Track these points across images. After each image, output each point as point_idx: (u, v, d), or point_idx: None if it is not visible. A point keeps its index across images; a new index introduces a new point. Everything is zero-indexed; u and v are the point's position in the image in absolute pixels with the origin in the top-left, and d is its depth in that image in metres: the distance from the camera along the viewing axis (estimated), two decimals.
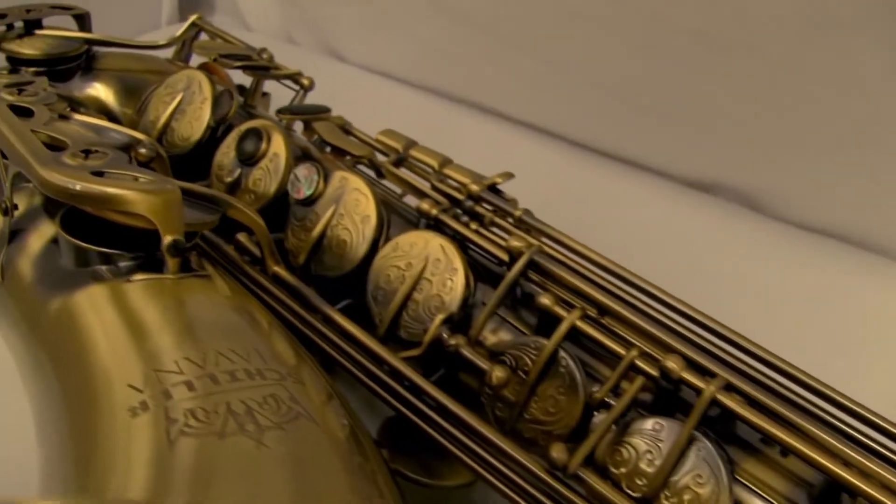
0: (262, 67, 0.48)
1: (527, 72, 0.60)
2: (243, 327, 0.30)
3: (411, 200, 0.42)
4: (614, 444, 0.31)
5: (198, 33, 0.55)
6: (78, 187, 0.31)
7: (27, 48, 0.50)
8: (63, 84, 0.52)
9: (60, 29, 0.53)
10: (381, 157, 0.45)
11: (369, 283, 0.37)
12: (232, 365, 0.26)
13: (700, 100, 0.56)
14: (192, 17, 0.54)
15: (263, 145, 0.42)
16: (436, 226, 0.39)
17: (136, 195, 0.31)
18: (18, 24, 0.51)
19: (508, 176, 0.40)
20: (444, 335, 0.34)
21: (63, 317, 0.32)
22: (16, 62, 0.51)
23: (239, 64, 0.47)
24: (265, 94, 0.52)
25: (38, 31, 0.52)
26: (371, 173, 0.45)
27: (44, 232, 0.37)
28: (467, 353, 0.34)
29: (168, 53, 0.56)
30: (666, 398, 0.32)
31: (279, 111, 0.46)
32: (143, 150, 0.41)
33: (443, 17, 0.60)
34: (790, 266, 0.53)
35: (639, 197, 0.58)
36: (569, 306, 0.34)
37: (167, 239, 0.32)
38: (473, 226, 0.39)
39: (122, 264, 0.33)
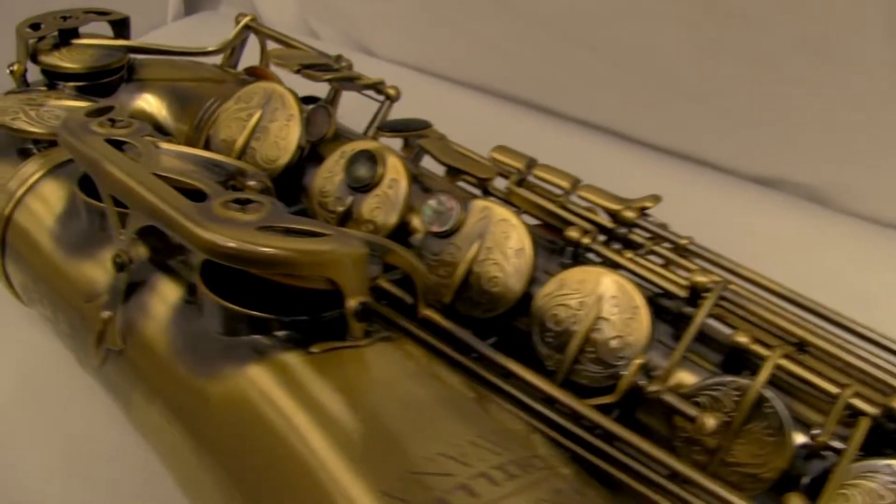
0: (344, 78, 0.43)
1: (586, 67, 0.57)
2: (467, 403, 0.27)
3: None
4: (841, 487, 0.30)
5: (245, 39, 0.49)
6: (251, 249, 0.26)
7: (68, 61, 0.44)
8: (106, 99, 0.46)
9: (97, 37, 0.47)
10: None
11: (534, 324, 0.34)
12: (495, 457, 0.23)
13: (765, 96, 0.55)
14: (245, 19, 0.48)
15: (379, 170, 0.38)
16: (589, 257, 0.36)
17: (322, 256, 0.27)
18: (53, 34, 0.45)
19: (656, 199, 0.37)
20: (642, 380, 0.32)
21: (232, 404, 0.27)
22: (54, 77, 0.44)
23: (328, 76, 0.42)
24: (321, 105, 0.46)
25: (74, 41, 0.45)
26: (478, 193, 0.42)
27: (163, 288, 0.32)
28: (671, 399, 0.31)
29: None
30: (883, 437, 0.31)
31: (379, 128, 0.42)
32: (252, 183, 0.36)
33: (497, 10, 0.57)
34: (872, 263, 0.53)
35: (707, 194, 0.57)
36: (762, 343, 0.32)
37: (353, 302, 0.28)
38: (628, 254, 0.36)
39: (283, 332, 0.29)
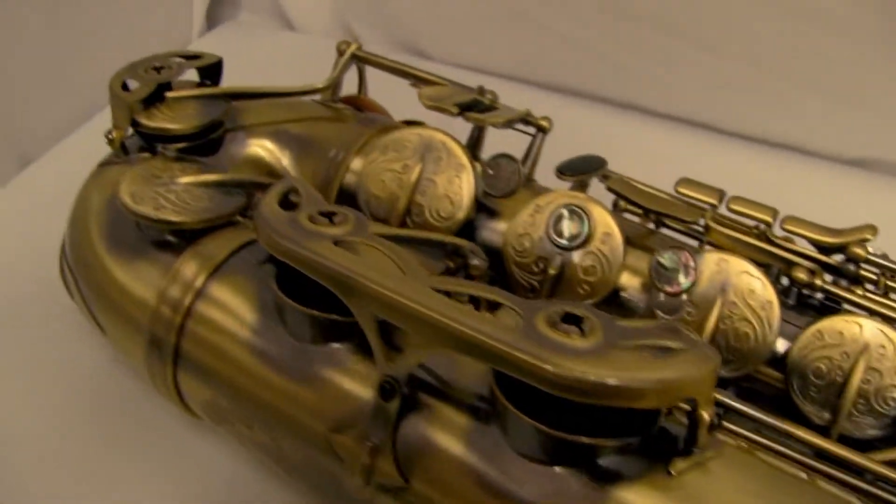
0: (510, 120, 0.39)
1: (673, 61, 0.55)
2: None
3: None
4: None
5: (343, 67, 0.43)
6: (626, 385, 0.23)
7: (173, 122, 0.38)
8: (214, 155, 0.40)
9: (192, 86, 0.40)
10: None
11: (793, 379, 0.33)
12: None
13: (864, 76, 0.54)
14: (351, 48, 0.42)
15: (589, 224, 0.35)
16: (816, 297, 0.34)
17: (689, 381, 0.24)
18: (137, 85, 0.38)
19: (874, 230, 0.36)
20: None
21: None
22: (154, 139, 0.38)
23: (496, 119, 0.37)
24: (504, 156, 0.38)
25: (168, 94, 0.38)
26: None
27: (442, 411, 0.28)
28: None
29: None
30: None
31: (559, 170, 0.38)
32: (476, 263, 0.32)
33: (580, 6, 0.53)
34: None
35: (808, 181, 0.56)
36: None
37: (707, 413, 0.25)
38: (859, 291, 0.35)
39: (613, 458, 0.26)
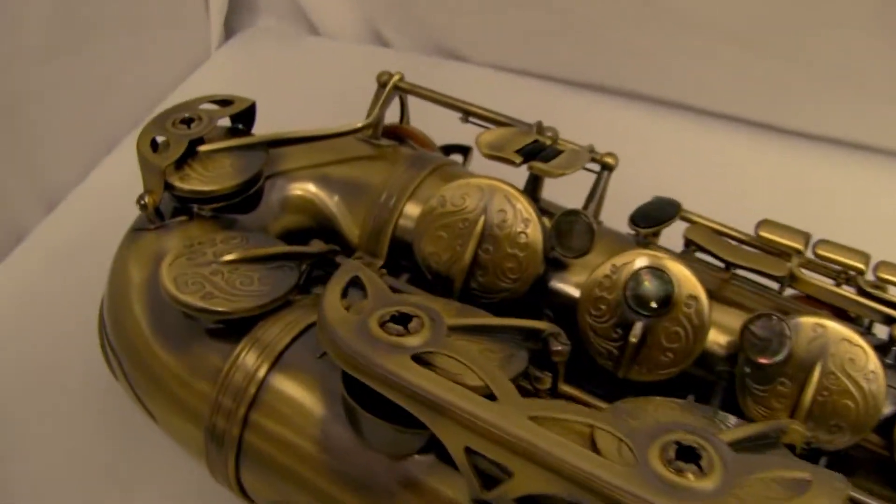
0: (551, 150, 0.36)
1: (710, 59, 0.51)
2: None
3: None
4: None
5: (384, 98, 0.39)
6: None
7: (208, 182, 0.35)
8: (255, 210, 0.37)
9: (224, 134, 0.37)
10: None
11: None
12: None
13: None
14: (393, 79, 0.38)
15: (672, 288, 0.32)
16: None
17: None
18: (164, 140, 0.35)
19: None
20: None
21: None
22: (190, 201, 0.35)
23: (546, 168, 0.34)
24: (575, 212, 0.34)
25: (201, 149, 0.35)
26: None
27: None
28: None
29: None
30: None
31: (632, 220, 0.35)
32: (559, 348, 0.30)
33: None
34: None
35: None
36: None
37: None
38: None
39: None
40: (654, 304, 0.32)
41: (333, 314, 0.27)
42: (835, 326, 0.31)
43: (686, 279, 0.32)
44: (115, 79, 0.49)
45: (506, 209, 0.34)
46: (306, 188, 0.38)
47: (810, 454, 0.32)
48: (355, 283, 0.29)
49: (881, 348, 0.33)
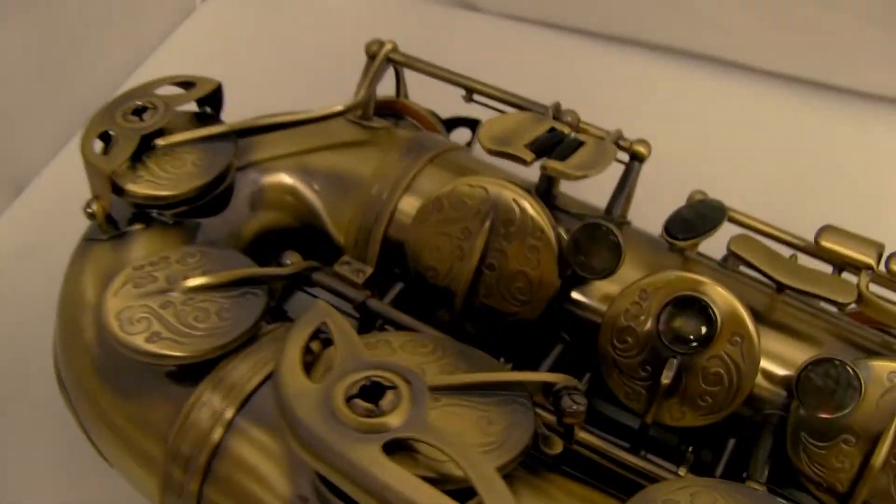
0: (570, 141, 0.29)
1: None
2: None
3: None
4: None
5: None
6: None
7: (164, 185, 0.30)
8: (224, 213, 0.31)
9: (187, 121, 0.31)
10: None
11: None
12: None
13: None
14: (385, 49, 0.32)
15: (714, 321, 0.26)
16: None
17: None
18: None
19: None
20: None
21: None
22: (146, 207, 0.30)
23: (562, 169, 0.27)
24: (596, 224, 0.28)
25: (159, 142, 0.30)
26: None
27: None
28: None
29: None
30: None
31: (667, 231, 0.29)
32: (574, 409, 0.25)
33: None
34: None
35: None
36: None
37: None
38: None
39: None
40: (691, 341, 0.27)
41: (291, 382, 0.22)
42: None
43: (731, 311, 0.27)
44: (86, 44, 0.43)
45: (514, 219, 0.29)
46: (284, 181, 0.32)
47: None
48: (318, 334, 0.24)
49: None
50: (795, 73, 0.47)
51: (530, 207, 0.28)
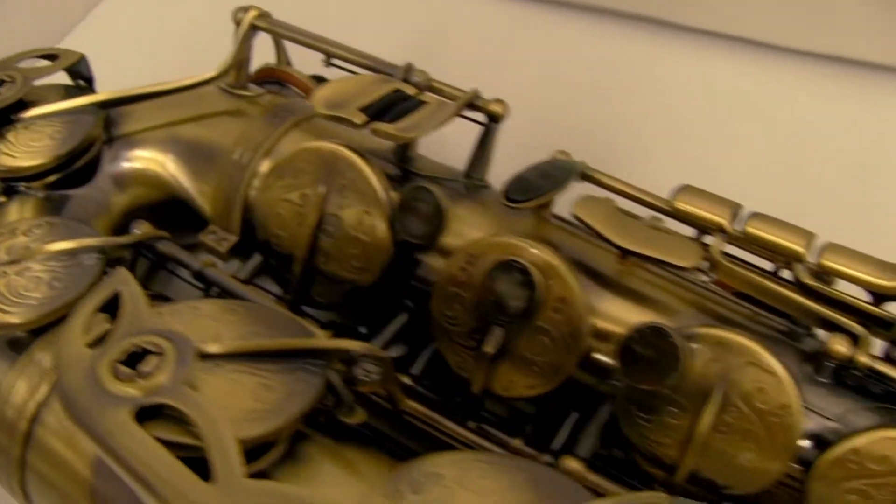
0: (416, 102, 0.28)
1: None
2: None
3: None
4: None
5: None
6: None
7: (25, 156, 0.30)
8: (91, 184, 0.32)
9: (57, 93, 0.32)
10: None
11: None
12: None
13: None
14: (248, 16, 0.32)
15: (541, 290, 0.25)
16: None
17: None
18: None
19: None
20: None
21: None
22: (8, 180, 0.31)
23: (391, 131, 0.26)
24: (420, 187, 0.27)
25: (19, 116, 0.30)
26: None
27: None
28: None
29: None
30: None
31: (506, 195, 0.27)
32: (364, 377, 0.24)
33: None
34: None
35: None
36: None
37: None
38: None
39: None
40: (513, 307, 0.26)
41: (68, 350, 0.22)
42: (742, 344, 0.24)
43: (556, 275, 0.25)
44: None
45: (346, 183, 0.28)
46: (150, 153, 0.32)
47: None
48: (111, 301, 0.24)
49: (812, 358, 0.25)
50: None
51: (364, 170, 0.28)
